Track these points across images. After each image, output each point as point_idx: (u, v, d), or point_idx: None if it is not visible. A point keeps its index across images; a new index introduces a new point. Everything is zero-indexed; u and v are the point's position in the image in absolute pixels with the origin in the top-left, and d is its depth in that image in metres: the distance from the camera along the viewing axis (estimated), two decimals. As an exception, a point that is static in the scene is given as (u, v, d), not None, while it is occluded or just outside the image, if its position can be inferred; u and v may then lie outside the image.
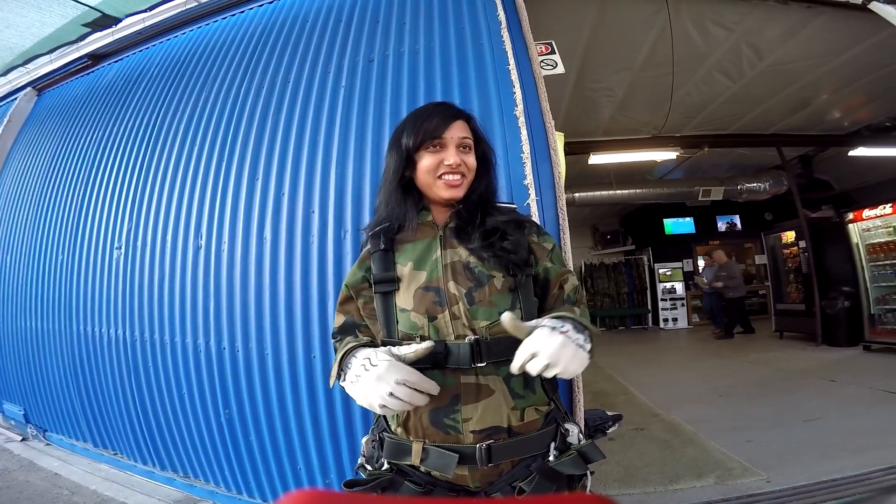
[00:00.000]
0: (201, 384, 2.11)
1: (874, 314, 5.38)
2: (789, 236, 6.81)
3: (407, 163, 0.96)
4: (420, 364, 0.83)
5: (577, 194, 6.80)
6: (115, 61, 3.37)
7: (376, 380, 0.76)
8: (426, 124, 0.94)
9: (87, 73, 3.55)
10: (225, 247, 2.10)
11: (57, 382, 2.81)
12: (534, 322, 0.78)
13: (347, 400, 1.80)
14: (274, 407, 1.93)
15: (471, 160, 0.97)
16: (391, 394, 0.74)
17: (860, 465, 2.27)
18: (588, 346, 0.77)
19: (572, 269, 1.14)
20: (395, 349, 0.81)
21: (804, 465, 2.35)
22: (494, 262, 0.89)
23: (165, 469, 2.36)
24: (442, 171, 0.93)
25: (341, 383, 0.84)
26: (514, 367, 0.74)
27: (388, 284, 0.91)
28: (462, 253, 0.91)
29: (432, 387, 0.78)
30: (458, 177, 0.94)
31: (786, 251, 6.92)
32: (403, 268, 0.91)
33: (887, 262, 5.34)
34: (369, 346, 0.86)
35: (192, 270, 2.17)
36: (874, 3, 2.66)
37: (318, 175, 1.99)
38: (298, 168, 2.04)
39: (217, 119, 2.37)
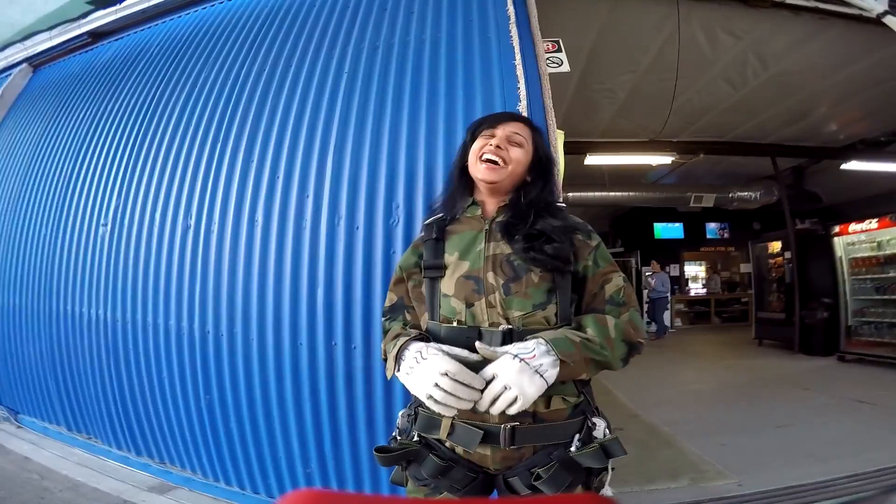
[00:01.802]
0: (182, 368, 2.07)
1: (851, 326, 5.56)
2: (775, 246, 6.94)
3: (466, 151, 1.08)
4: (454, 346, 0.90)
5: (570, 194, 6.81)
6: (116, 40, 3.29)
7: (425, 371, 0.83)
8: (485, 122, 1.08)
9: (86, 51, 3.46)
10: (215, 228, 2.06)
11: (32, 363, 2.75)
12: (504, 348, 0.84)
13: (332, 390, 1.79)
14: (256, 394, 1.90)
15: (516, 152, 1.02)
16: (436, 384, 0.80)
17: (825, 472, 2.34)
18: (552, 371, 0.81)
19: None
20: (446, 347, 0.87)
21: (774, 471, 2.42)
22: (534, 263, 0.93)
23: (141, 454, 2.33)
24: (483, 151, 1.00)
25: (397, 374, 0.91)
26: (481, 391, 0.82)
27: (436, 271, 0.99)
28: (505, 248, 0.96)
29: (474, 379, 0.81)
30: (494, 158, 0.99)
31: (771, 261, 7.05)
32: (450, 257, 0.99)
33: (868, 276, 5.49)
34: (420, 340, 0.92)
35: (180, 251, 2.13)
36: (889, 16, 2.65)
37: (314, 160, 1.95)
38: (295, 152, 1.99)
39: (215, 100, 2.31)
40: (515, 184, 1.04)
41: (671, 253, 9.71)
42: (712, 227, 9.95)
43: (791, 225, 6.32)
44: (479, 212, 1.04)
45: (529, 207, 1.00)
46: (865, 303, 5.52)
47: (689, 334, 8.42)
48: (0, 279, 2.96)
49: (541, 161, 1.07)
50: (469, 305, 0.93)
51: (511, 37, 1.92)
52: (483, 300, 0.92)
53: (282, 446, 1.89)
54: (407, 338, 0.93)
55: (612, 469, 0.91)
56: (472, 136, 1.07)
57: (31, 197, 2.94)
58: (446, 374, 0.80)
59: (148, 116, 2.53)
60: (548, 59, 2.04)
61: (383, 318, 1.09)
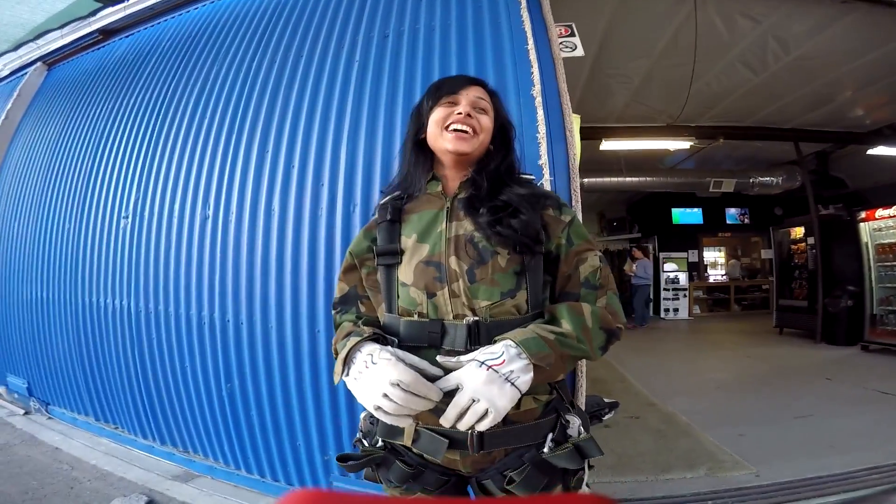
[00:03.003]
0: (204, 357, 2.12)
1: (876, 314, 5.38)
2: (798, 232, 6.76)
3: (422, 124, 0.96)
4: (415, 343, 0.83)
5: (586, 179, 6.72)
6: (127, 36, 3.32)
7: (373, 379, 0.73)
8: (444, 86, 0.95)
9: (98, 48, 3.50)
10: (232, 218, 2.09)
11: (61, 355, 2.83)
12: (468, 356, 0.75)
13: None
14: (276, 382, 1.94)
15: (484, 120, 0.93)
16: (385, 395, 0.71)
17: (846, 464, 2.30)
18: (524, 378, 0.72)
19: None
20: (402, 354, 0.77)
21: (793, 462, 2.38)
22: (499, 239, 0.84)
23: (165, 443, 2.38)
24: (450, 120, 0.90)
25: (345, 378, 0.81)
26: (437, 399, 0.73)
27: (391, 257, 0.89)
28: (468, 226, 0.86)
29: (431, 391, 0.73)
30: (464, 127, 0.89)
31: (793, 247, 6.88)
32: (408, 240, 0.89)
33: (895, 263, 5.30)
34: (376, 342, 0.82)
35: (199, 241, 2.16)
36: (914, 1, 2.56)
37: (328, 149, 1.96)
38: (309, 141, 2.01)
39: (228, 92, 2.33)
40: (481, 154, 0.94)
41: (690, 238, 9.53)
42: (732, 213, 9.71)
43: (815, 210, 6.15)
44: (439, 188, 0.93)
45: (492, 178, 0.91)
46: (892, 290, 5.34)
47: (708, 322, 8.28)
48: (28, 274, 3.05)
49: (502, 127, 0.98)
50: (430, 295, 0.83)
51: (523, 21, 1.89)
52: (446, 289, 0.83)
53: (301, 434, 1.92)
54: (359, 338, 0.81)
55: (591, 468, 0.85)
56: (430, 105, 0.94)
57: (54, 192, 3.01)
58: (398, 385, 0.71)
59: (163, 110, 2.56)
60: (561, 43, 2.00)
61: (333, 311, 0.98)
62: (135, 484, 2.17)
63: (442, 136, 0.90)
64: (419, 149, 0.97)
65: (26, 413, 3.11)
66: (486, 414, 0.70)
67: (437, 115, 0.92)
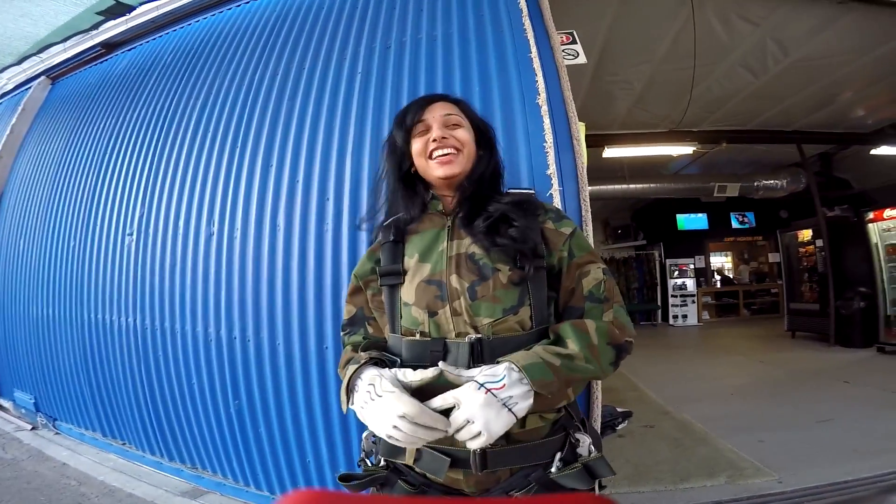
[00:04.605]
0: (211, 374, 2.09)
1: (890, 315, 5.33)
2: (805, 235, 6.73)
3: (402, 157, 0.96)
4: (418, 363, 0.82)
5: (589, 187, 6.72)
6: (129, 49, 3.35)
7: (381, 412, 0.73)
8: (408, 115, 0.95)
9: (101, 62, 3.53)
10: (237, 234, 2.08)
11: (67, 371, 2.82)
12: (469, 372, 0.74)
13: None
14: (284, 398, 1.91)
15: (461, 134, 0.93)
16: (395, 426, 0.71)
17: (873, 468, 2.26)
18: (522, 404, 0.71)
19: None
20: (401, 374, 0.76)
21: (817, 467, 2.33)
22: (498, 252, 0.83)
23: (173, 460, 2.36)
24: (430, 148, 0.91)
25: (351, 407, 0.80)
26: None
27: (394, 277, 0.89)
28: (467, 243, 0.87)
29: (437, 421, 0.71)
30: (447, 150, 0.90)
31: (801, 250, 6.84)
32: (410, 260, 0.89)
33: (907, 263, 5.25)
34: (375, 366, 0.82)
35: (204, 258, 2.15)
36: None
37: (333, 163, 1.95)
38: (313, 155, 2.00)
39: (230, 106, 2.34)
40: (472, 165, 0.95)
41: (696, 244, 9.50)
42: (737, 217, 9.69)
43: (821, 212, 6.12)
44: (440, 206, 0.94)
45: (478, 187, 0.92)
46: (905, 291, 5.29)
47: (718, 327, 8.20)
48: (34, 290, 3.05)
49: (480, 131, 0.98)
50: (432, 314, 0.83)
51: (525, 29, 1.89)
52: (447, 307, 0.83)
53: (310, 451, 1.89)
54: (357, 365, 0.81)
55: (603, 488, 0.84)
56: (404, 137, 0.95)
57: (59, 209, 3.01)
58: (404, 417, 0.70)
59: (166, 125, 2.56)
60: (563, 51, 2.01)
61: (342, 333, 0.99)
62: (143, 500, 2.15)
63: (429, 165, 0.92)
64: (407, 181, 0.97)
65: (33, 428, 3.11)
66: (478, 435, 0.69)
67: (416, 147, 0.93)
